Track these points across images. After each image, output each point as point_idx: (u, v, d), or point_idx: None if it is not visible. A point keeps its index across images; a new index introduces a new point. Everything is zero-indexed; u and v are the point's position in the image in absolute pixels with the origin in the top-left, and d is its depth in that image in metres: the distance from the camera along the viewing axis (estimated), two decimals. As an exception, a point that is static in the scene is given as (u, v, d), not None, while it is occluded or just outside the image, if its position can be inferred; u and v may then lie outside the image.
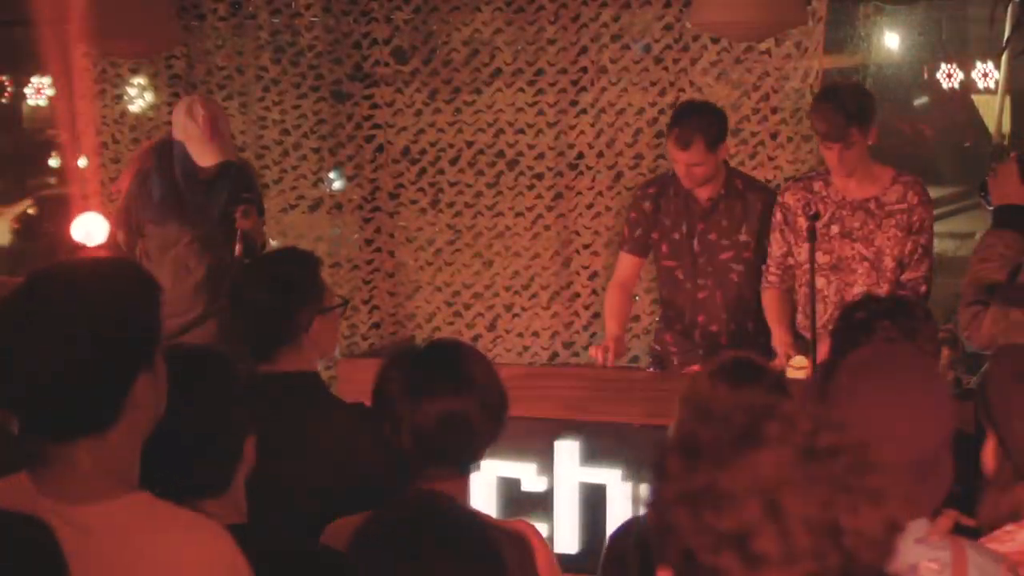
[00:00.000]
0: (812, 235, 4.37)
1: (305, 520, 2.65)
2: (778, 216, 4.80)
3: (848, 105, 4.50)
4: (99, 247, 5.04)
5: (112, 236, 5.21)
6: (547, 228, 6.21)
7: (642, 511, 4.01)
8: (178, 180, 5.23)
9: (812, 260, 4.32)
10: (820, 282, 4.58)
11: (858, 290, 4.59)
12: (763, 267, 4.89)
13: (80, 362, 1.91)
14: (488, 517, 2.67)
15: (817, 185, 4.72)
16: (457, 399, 2.51)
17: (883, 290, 4.56)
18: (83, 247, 5.03)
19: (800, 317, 4.81)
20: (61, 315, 1.93)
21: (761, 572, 1.27)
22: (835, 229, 4.68)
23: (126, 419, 1.96)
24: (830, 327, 3.86)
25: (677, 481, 1.32)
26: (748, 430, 1.32)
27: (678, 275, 5.07)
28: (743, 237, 4.97)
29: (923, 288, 4.64)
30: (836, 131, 4.49)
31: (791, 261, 4.81)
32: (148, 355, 2.00)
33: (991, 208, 4.45)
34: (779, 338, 4.73)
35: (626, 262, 5.17)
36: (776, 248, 4.83)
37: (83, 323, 1.92)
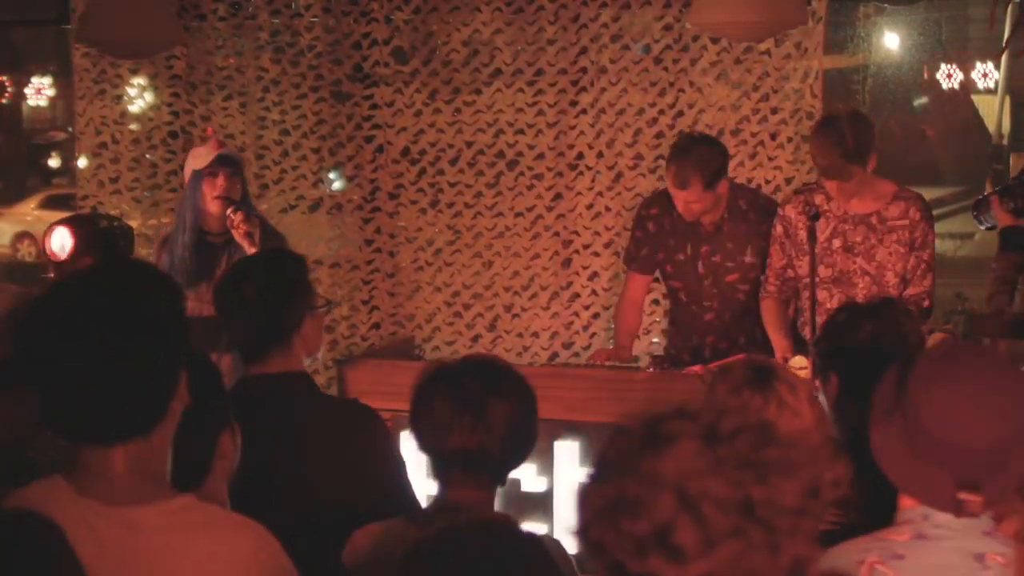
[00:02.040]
0: (812, 235, 4.34)
1: (301, 521, 2.65)
2: (779, 229, 4.78)
3: (847, 142, 4.45)
4: (67, 261, 4.91)
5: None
6: (547, 228, 6.20)
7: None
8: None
9: (812, 260, 4.30)
10: (822, 295, 4.58)
11: None
12: (762, 277, 4.88)
13: (136, 363, 1.90)
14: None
15: (819, 198, 4.69)
16: (491, 421, 2.58)
17: None
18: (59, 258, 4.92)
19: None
20: (107, 318, 1.90)
21: (688, 565, 1.31)
22: (837, 243, 4.66)
23: (168, 418, 1.97)
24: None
25: (592, 500, 1.38)
26: (649, 434, 1.38)
27: (682, 296, 5.05)
28: (748, 259, 4.90)
29: (926, 303, 4.62)
30: (835, 169, 4.50)
31: (790, 273, 4.79)
32: (184, 351, 2.00)
33: (983, 228, 4.50)
34: (778, 344, 4.73)
35: (635, 281, 5.14)
36: (776, 260, 4.81)
37: (132, 324, 1.91)
